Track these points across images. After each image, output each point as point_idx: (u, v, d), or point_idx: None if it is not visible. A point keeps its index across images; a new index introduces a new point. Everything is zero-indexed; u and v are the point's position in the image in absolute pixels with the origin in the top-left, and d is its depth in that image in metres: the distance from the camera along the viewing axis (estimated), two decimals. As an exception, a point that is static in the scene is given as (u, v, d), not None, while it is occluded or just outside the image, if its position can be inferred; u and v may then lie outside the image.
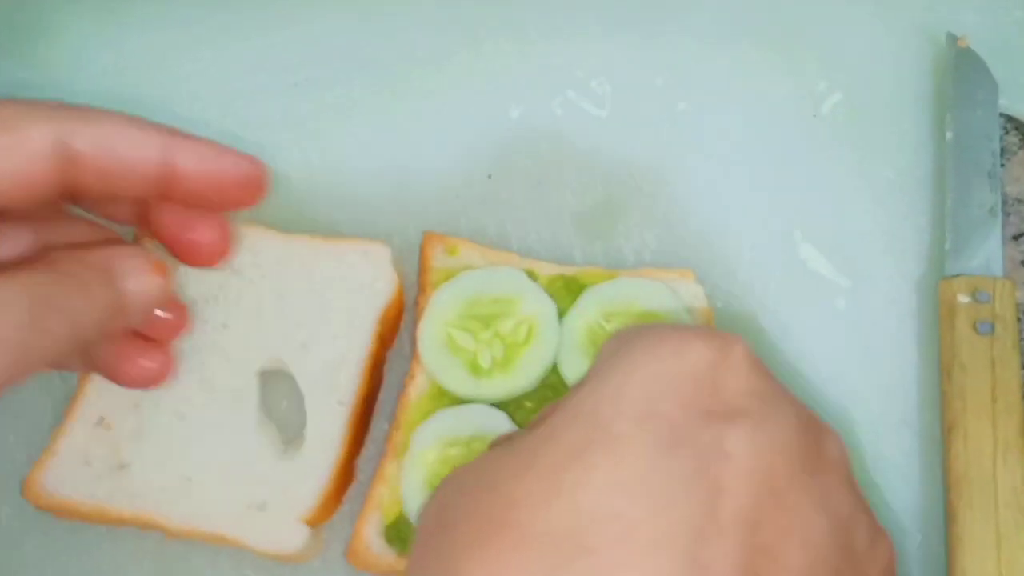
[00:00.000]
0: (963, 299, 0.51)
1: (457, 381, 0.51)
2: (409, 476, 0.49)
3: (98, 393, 0.52)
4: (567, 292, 0.53)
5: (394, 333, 0.54)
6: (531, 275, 0.53)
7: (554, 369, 0.51)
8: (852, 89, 0.59)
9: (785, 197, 0.57)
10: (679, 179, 0.57)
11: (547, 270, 0.53)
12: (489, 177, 0.59)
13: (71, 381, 0.53)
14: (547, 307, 0.52)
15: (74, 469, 0.50)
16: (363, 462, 0.52)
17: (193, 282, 0.53)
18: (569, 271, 0.53)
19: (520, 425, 0.50)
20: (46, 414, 0.53)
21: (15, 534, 0.51)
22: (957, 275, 0.52)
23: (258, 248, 0.54)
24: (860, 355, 0.53)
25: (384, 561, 0.48)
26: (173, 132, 0.44)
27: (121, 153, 0.42)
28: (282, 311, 0.53)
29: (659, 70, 0.60)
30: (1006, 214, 0.55)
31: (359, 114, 0.59)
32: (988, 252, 0.53)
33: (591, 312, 0.52)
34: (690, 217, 0.57)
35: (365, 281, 0.54)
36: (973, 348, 0.50)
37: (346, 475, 0.51)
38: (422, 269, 0.54)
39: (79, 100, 0.43)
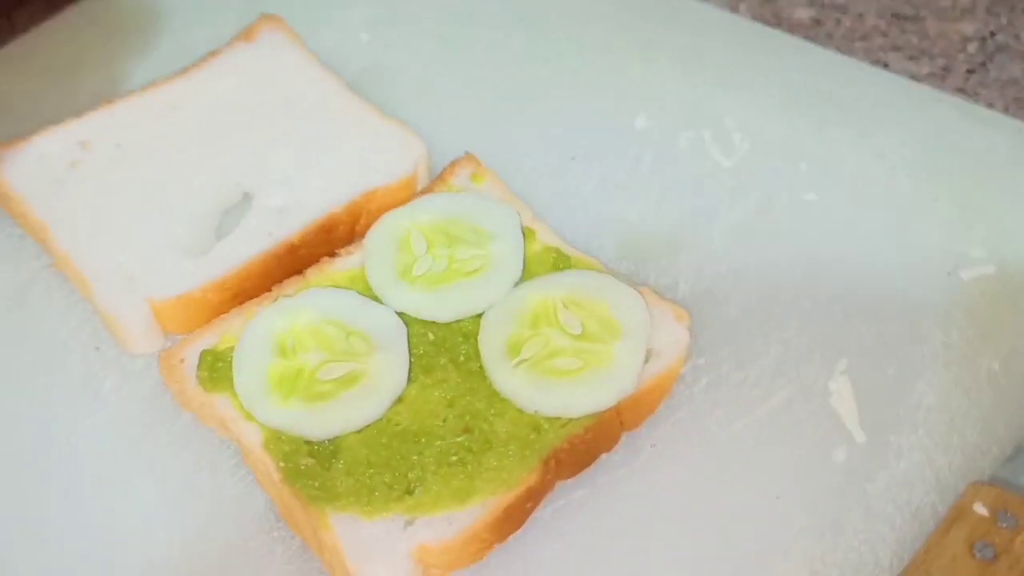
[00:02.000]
0: (980, 510, 0.37)
1: (381, 274, 0.45)
2: (257, 324, 0.43)
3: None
4: (551, 266, 0.45)
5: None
6: (527, 232, 0.46)
7: (475, 320, 0.43)
8: (1005, 265, 0.47)
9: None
10: (757, 271, 0.48)
11: (547, 237, 0.47)
12: (572, 159, 0.53)
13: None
14: (515, 260, 0.45)
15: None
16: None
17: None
18: (567, 250, 0.46)
19: (411, 345, 0.42)
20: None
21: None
22: (993, 483, 0.38)
23: (321, 90, 0.53)
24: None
25: (177, 374, 0.42)
26: None
27: None
28: (282, 136, 0.50)
29: (805, 158, 0.52)
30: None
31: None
32: (1053, 488, 0.38)
33: (555, 290, 0.44)
34: (722, 305, 0.47)
35: (379, 156, 0.50)
36: (956, 566, 0.36)
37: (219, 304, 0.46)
38: (439, 178, 0.49)
39: None
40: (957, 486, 0.40)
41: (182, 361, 0.43)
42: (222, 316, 0.44)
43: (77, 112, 0.52)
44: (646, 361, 0.42)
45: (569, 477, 0.41)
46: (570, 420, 0.41)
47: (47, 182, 0.49)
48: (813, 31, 0.61)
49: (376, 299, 0.44)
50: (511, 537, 0.40)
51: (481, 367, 0.42)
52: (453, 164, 0.50)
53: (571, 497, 0.41)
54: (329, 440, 0.40)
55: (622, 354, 0.42)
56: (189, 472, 0.42)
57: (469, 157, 0.50)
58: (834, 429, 0.43)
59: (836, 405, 0.43)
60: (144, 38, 0.59)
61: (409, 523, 0.38)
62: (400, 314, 0.44)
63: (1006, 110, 0.55)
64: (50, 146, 0.51)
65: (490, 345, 0.43)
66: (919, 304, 0.46)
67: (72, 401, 0.44)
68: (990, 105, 0.56)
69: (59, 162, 0.50)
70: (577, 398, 0.41)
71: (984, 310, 0.46)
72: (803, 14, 0.62)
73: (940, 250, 0.48)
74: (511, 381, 0.41)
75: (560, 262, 0.46)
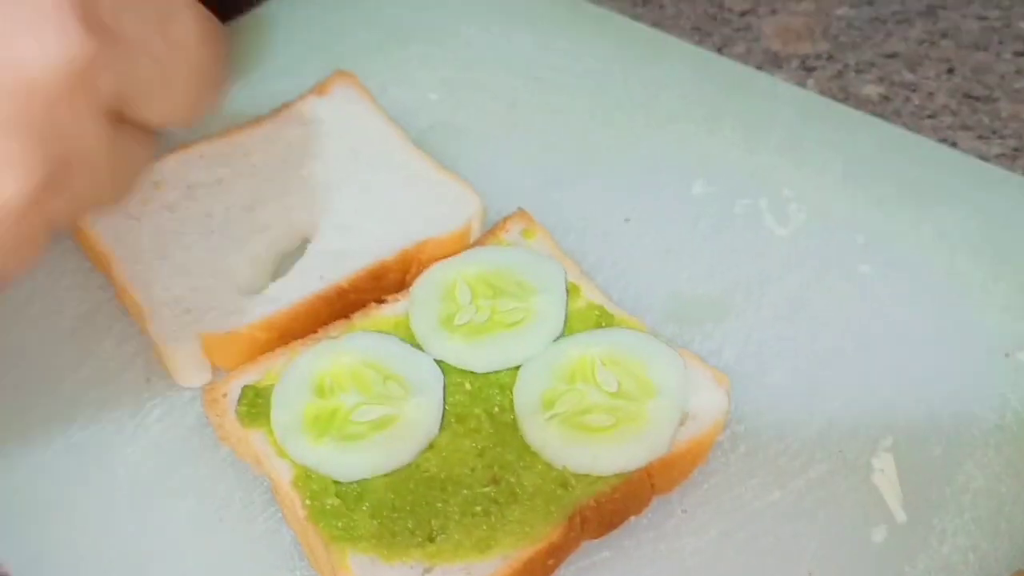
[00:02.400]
0: (1020, 600, 0.36)
1: (423, 321, 0.45)
2: (299, 363, 0.44)
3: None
4: (594, 324, 0.45)
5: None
6: (572, 288, 0.46)
7: (513, 372, 0.43)
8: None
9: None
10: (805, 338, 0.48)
11: (592, 295, 0.47)
12: (627, 220, 0.53)
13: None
14: (557, 315, 0.45)
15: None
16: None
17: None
18: (611, 308, 0.46)
19: (447, 393, 0.43)
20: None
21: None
22: (1038, 576, 0.37)
23: (386, 143, 0.54)
24: None
25: (218, 408, 0.43)
26: None
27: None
28: (344, 184, 0.52)
29: (863, 231, 0.51)
30: None
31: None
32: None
33: (594, 347, 0.44)
34: (767, 373, 0.46)
35: (435, 208, 0.51)
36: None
37: (276, 340, 0.47)
38: (490, 232, 0.50)
39: None
40: (1001, 574, 0.38)
41: (224, 395, 0.44)
42: (267, 354, 0.45)
43: (156, 156, 0.54)
44: (681, 424, 0.42)
45: (595, 537, 0.41)
46: (599, 478, 0.40)
47: (118, 217, 0.52)
48: (881, 107, 0.60)
49: (418, 346, 0.45)
50: (532, 592, 0.39)
51: (514, 419, 0.42)
52: (505, 219, 0.50)
53: (596, 557, 0.41)
54: (357, 482, 0.40)
55: (655, 413, 0.41)
56: (221, 503, 0.43)
57: (521, 213, 0.51)
58: (875, 507, 0.41)
59: (878, 482, 0.42)
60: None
61: (427, 570, 0.38)
62: (439, 362, 0.44)
63: (1078, 194, 0.54)
64: (125, 184, 0.53)
65: (524, 397, 0.43)
66: (973, 385, 0.45)
67: (118, 426, 0.45)
68: (1061, 188, 0.54)
69: (131, 200, 0.52)
70: (607, 455, 0.40)
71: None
72: (872, 90, 0.62)
73: (998, 332, 0.47)
74: (542, 434, 0.41)
75: (603, 320, 0.46)
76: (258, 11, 0.67)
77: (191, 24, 0.31)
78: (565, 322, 0.45)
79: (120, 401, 0.46)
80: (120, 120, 0.31)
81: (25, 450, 0.45)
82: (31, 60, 0.26)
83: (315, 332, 0.46)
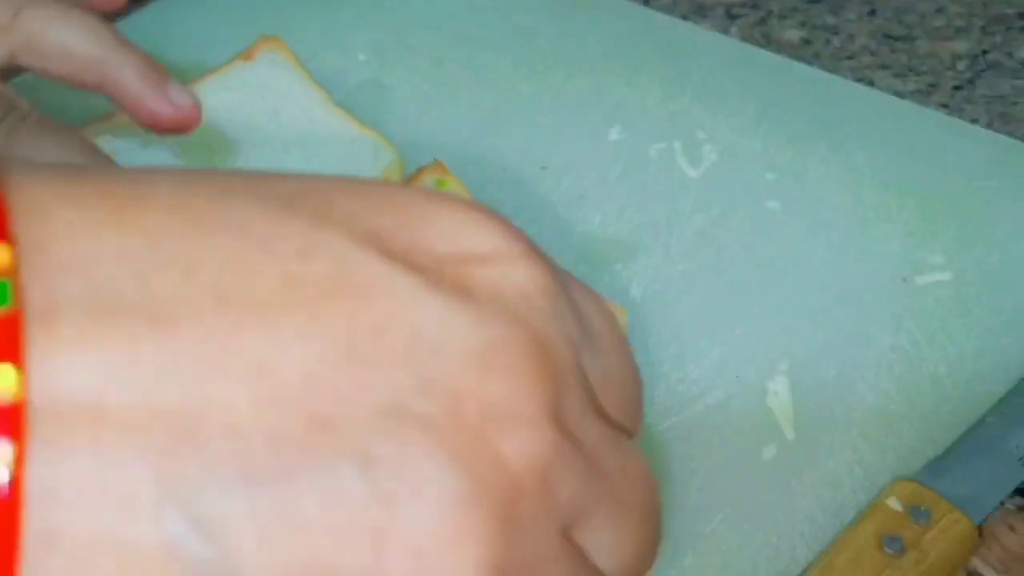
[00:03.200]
0: (894, 505, 0.37)
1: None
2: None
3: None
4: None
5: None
6: (480, 232, 0.48)
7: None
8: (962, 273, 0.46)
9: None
10: (709, 269, 0.48)
11: (500, 238, 0.48)
12: (543, 168, 0.54)
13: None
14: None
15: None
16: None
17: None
18: (517, 249, 0.47)
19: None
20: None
21: None
22: (917, 480, 0.38)
23: (307, 104, 0.56)
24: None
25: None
26: (122, 49, 0.45)
27: (63, 47, 0.43)
28: (265, 144, 0.53)
29: (773, 168, 0.52)
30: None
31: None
32: (978, 489, 0.37)
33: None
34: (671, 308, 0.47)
35: (352, 162, 0.52)
36: (862, 559, 0.35)
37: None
38: (406, 181, 0.51)
39: None
40: (885, 485, 0.40)
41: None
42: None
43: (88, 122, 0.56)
44: (578, 354, 0.43)
45: (496, 465, 0.42)
46: (495, 408, 0.41)
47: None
48: (801, 50, 0.61)
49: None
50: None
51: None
52: (420, 170, 0.52)
53: (495, 485, 0.42)
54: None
55: (551, 345, 0.42)
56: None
57: (436, 164, 0.52)
58: (767, 427, 0.42)
59: (772, 404, 0.43)
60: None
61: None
62: (347, 306, 0.45)
63: (990, 125, 0.55)
64: (54, 153, 0.55)
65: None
66: (870, 309, 0.46)
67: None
68: (974, 120, 0.55)
69: (60, 167, 0.54)
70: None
71: (936, 316, 0.45)
72: (793, 35, 0.62)
73: (898, 257, 0.48)
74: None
75: (508, 261, 0.47)
76: (193, -15, 0.68)
77: (643, 461, 0.26)
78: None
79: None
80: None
81: None
82: (511, 453, 0.22)
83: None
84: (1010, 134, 0.53)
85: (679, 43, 0.60)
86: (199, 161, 0.53)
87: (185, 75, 0.59)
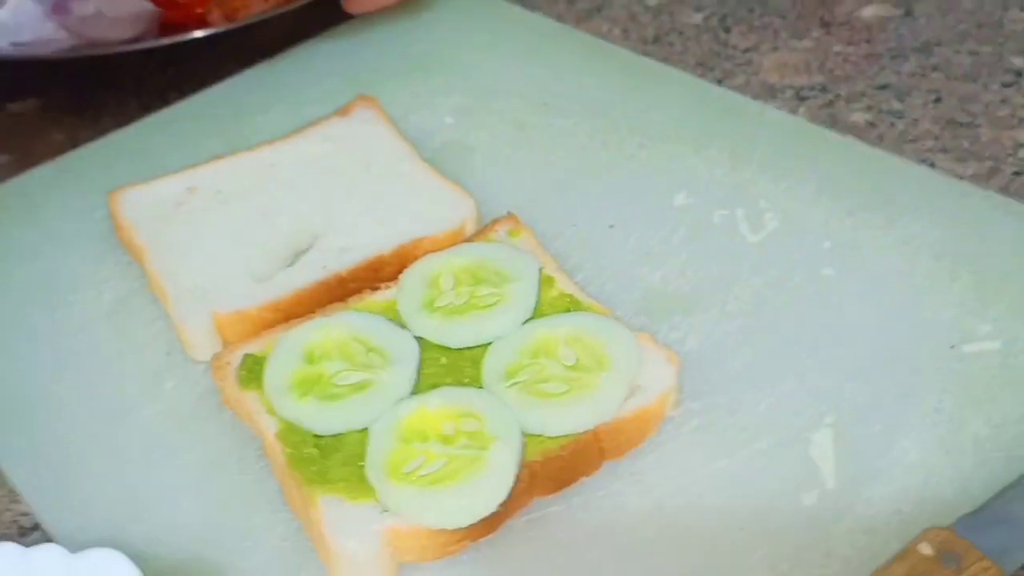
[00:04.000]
0: (925, 550, 0.38)
1: (408, 304, 0.50)
2: (293, 334, 0.49)
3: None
4: (563, 310, 0.50)
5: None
6: (547, 279, 0.51)
7: (484, 349, 0.48)
8: (1012, 343, 0.48)
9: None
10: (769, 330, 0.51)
11: (565, 286, 0.51)
12: (611, 227, 0.57)
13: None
14: (528, 299, 0.49)
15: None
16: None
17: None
18: (581, 297, 0.50)
19: (423, 365, 0.47)
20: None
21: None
22: (950, 529, 0.39)
23: (396, 157, 0.60)
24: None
25: (223, 373, 0.49)
26: None
27: None
28: (355, 192, 0.58)
29: (831, 237, 0.55)
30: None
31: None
32: (1010, 542, 0.39)
33: (559, 328, 0.48)
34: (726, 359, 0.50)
35: (433, 211, 0.56)
36: (889, 598, 0.37)
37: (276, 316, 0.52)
38: (480, 232, 0.55)
39: None
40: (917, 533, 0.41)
41: (228, 363, 0.49)
42: (270, 329, 0.51)
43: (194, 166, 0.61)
44: (631, 395, 0.45)
45: (547, 494, 0.45)
46: (549, 438, 0.44)
47: (155, 217, 0.58)
48: (866, 132, 0.64)
49: (402, 325, 0.50)
50: (483, 539, 0.43)
51: (480, 389, 0.46)
52: (494, 221, 0.55)
53: (546, 511, 0.44)
54: (333, 436, 0.45)
55: (606, 384, 0.45)
56: (221, 456, 0.48)
57: (510, 216, 0.55)
58: (809, 475, 0.44)
59: (815, 454, 0.45)
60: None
61: (386, 510, 0.42)
62: (419, 339, 0.49)
63: (1047, 209, 0.56)
64: (165, 188, 0.60)
65: (491, 370, 0.47)
66: (917, 372, 0.48)
67: (138, 391, 0.51)
68: (1031, 204, 0.57)
69: (168, 202, 0.59)
70: (557, 418, 0.44)
71: (981, 382, 0.47)
72: (859, 118, 0.65)
73: (948, 326, 0.50)
74: (502, 399, 0.45)
75: (572, 306, 0.50)
76: (300, 47, 0.74)
77: None
78: (536, 307, 0.49)
79: (142, 372, 0.52)
80: None
81: (57, 412, 0.51)
82: None
83: (303, 312, 0.51)
84: (1066, 218, 0.55)
85: (748, 119, 0.64)
86: (290, 202, 0.58)
87: (287, 129, 0.64)
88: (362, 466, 0.44)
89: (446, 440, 0.44)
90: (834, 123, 0.65)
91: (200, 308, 0.52)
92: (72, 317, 0.55)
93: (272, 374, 0.47)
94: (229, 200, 0.59)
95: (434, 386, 0.47)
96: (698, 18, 0.77)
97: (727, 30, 0.75)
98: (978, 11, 0.74)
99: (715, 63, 0.72)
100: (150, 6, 0.74)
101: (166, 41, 0.73)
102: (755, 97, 0.67)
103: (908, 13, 0.74)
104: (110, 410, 0.50)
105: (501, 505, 0.42)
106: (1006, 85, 0.66)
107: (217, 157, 0.62)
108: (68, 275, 0.58)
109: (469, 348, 0.48)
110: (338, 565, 0.42)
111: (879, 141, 0.63)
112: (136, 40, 0.74)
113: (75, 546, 0.40)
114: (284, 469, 0.44)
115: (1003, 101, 0.65)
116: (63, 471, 0.48)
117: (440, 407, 0.45)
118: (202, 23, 0.76)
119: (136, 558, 0.39)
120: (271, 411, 0.46)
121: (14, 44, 0.74)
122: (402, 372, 0.47)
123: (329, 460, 0.44)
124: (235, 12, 0.78)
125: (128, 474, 0.47)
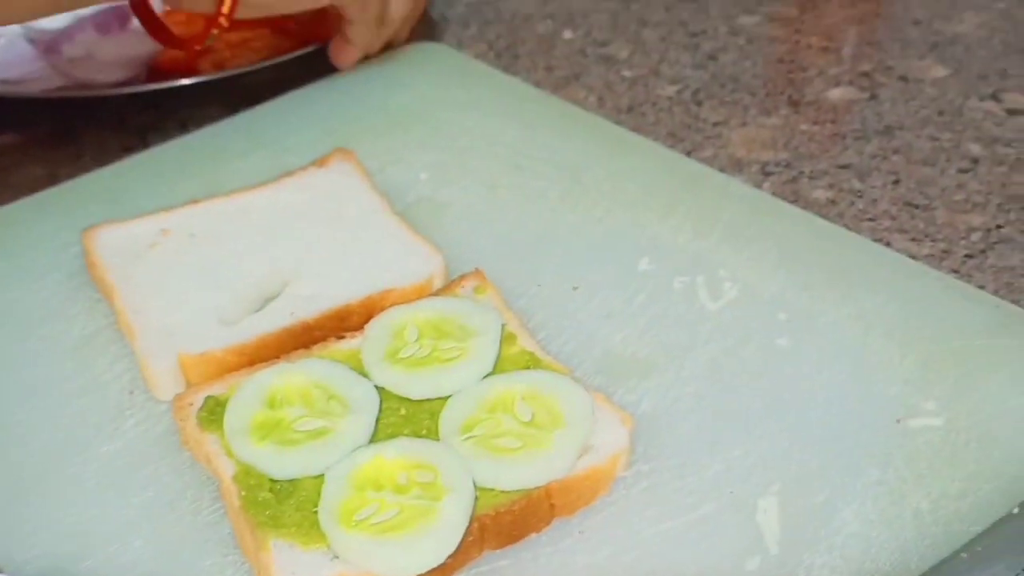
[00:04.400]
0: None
1: (372, 353, 0.51)
2: (256, 379, 0.50)
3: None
4: (523, 367, 0.51)
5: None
6: (509, 336, 0.52)
7: (443, 402, 0.49)
8: (954, 420, 0.49)
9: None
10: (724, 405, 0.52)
11: (527, 344, 0.52)
12: (575, 288, 0.59)
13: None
14: (489, 355, 0.51)
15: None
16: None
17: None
18: (541, 355, 0.51)
19: (382, 414, 0.48)
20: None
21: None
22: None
23: (369, 210, 0.62)
24: None
25: (184, 414, 0.49)
26: None
27: None
28: (326, 241, 0.59)
29: (786, 309, 0.56)
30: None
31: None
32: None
33: (517, 384, 0.49)
34: (679, 424, 0.51)
35: (402, 264, 0.58)
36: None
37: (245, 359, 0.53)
38: (446, 287, 0.56)
39: None
40: (858, 605, 0.42)
41: (190, 404, 0.50)
42: (233, 373, 0.51)
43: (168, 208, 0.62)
44: (584, 454, 0.46)
45: (496, 548, 0.45)
46: (501, 492, 0.45)
47: (127, 256, 0.59)
48: (827, 209, 0.66)
49: (364, 374, 0.50)
50: (431, 589, 0.44)
51: (437, 441, 0.47)
52: (461, 276, 0.57)
53: (494, 564, 0.45)
54: (289, 480, 0.46)
55: (560, 441, 0.46)
56: (174, 497, 0.48)
57: (477, 272, 0.57)
58: (754, 541, 0.45)
59: (760, 520, 0.46)
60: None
61: (336, 556, 0.43)
62: (380, 389, 0.50)
63: (996, 292, 0.58)
64: (138, 229, 0.61)
65: (448, 423, 0.48)
66: (863, 444, 0.49)
67: (98, 428, 0.52)
68: (981, 287, 0.59)
69: (141, 242, 0.60)
70: (510, 473, 0.45)
71: (924, 456, 0.48)
72: (821, 195, 0.67)
73: (895, 401, 0.51)
74: (457, 452, 0.46)
75: (531, 364, 0.51)
76: (281, 98, 0.75)
77: None
78: (496, 362, 0.50)
79: (103, 408, 0.53)
80: None
81: (14, 441, 0.51)
82: None
83: (272, 355, 0.52)
84: (1015, 302, 0.57)
85: (713, 190, 0.65)
86: (262, 248, 0.59)
87: (263, 177, 0.65)
88: (315, 512, 0.44)
89: (400, 490, 0.45)
90: (797, 199, 0.67)
91: (166, 348, 0.53)
92: (38, 349, 0.56)
93: (232, 416, 0.48)
94: (201, 243, 0.60)
95: (392, 436, 0.48)
96: (671, 91, 0.79)
97: (699, 103, 0.77)
98: (940, 98, 0.76)
99: (686, 135, 0.74)
100: (141, 51, 0.76)
101: (153, 86, 0.75)
102: (722, 170, 0.69)
103: (873, 97, 0.77)
104: (68, 443, 0.51)
105: (450, 557, 0.43)
106: (962, 171, 0.69)
107: (193, 200, 0.63)
108: (37, 308, 0.58)
109: (429, 400, 0.49)
110: (285, 610, 0.42)
111: (839, 218, 0.65)
112: (124, 83, 0.76)
113: (23, 578, 0.40)
114: (238, 512, 0.45)
115: (959, 186, 0.67)
116: (13, 501, 0.48)
117: (396, 457, 0.46)
118: (192, 70, 0.78)
119: (84, 594, 0.40)
120: (230, 454, 0.47)
121: (2, 81, 0.75)
122: (361, 421, 0.48)
123: (283, 505, 0.45)
124: (224, 62, 0.80)
125: (80, 509, 0.48)
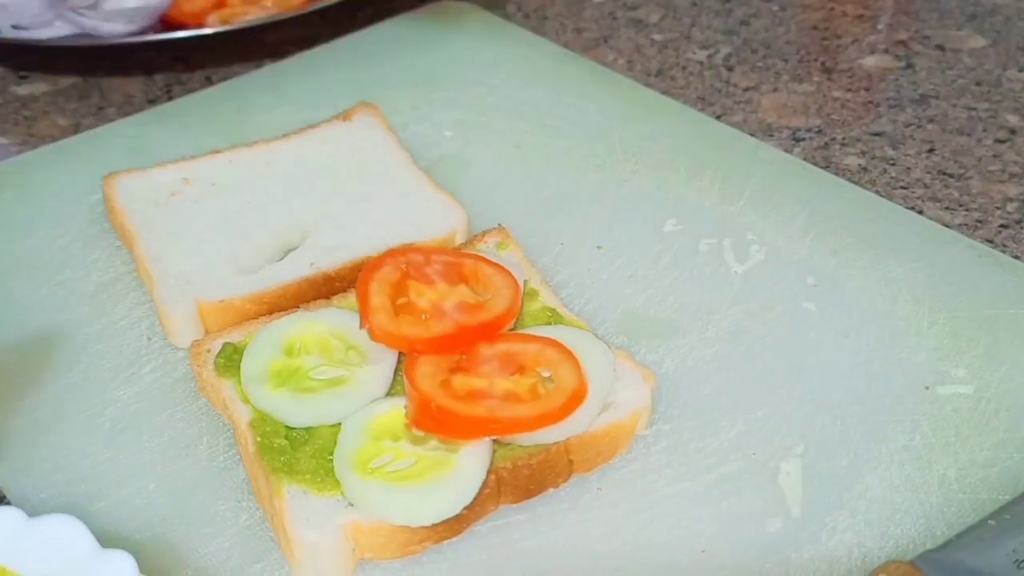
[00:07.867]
0: (882, 582, 0.38)
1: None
2: (275, 326, 0.49)
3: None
4: (544, 322, 0.50)
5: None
6: (531, 292, 0.51)
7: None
8: (983, 388, 0.48)
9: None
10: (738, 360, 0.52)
11: (548, 300, 0.51)
12: (599, 247, 0.58)
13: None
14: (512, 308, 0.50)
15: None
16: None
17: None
18: (563, 311, 0.51)
19: (400, 364, 0.48)
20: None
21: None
22: (910, 563, 0.39)
23: (392, 164, 0.61)
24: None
25: (201, 360, 0.49)
26: None
27: None
28: (348, 194, 0.58)
29: (814, 273, 0.55)
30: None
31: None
32: (970, 579, 0.39)
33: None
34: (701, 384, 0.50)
35: (424, 218, 0.57)
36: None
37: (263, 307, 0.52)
38: (468, 241, 0.55)
39: None
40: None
41: (208, 350, 0.49)
42: (252, 321, 0.51)
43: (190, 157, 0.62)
44: (604, 410, 0.46)
45: (513, 502, 0.45)
46: (519, 446, 0.44)
47: (148, 204, 0.59)
48: (859, 176, 0.64)
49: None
50: (445, 541, 0.43)
51: (458, 392, 0.47)
52: (483, 232, 0.56)
53: (511, 518, 0.44)
54: (304, 428, 0.45)
55: (579, 397, 0.45)
56: (190, 443, 0.48)
57: (500, 228, 0.56)
58: (775, 502, 0.44)
59: (783, 482, 0.45)
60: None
61: (350, 504, 0.42)
62: (399, 340, 0.49)
63: (1030, 263, 0.57)
64: (160, 177, 0.60)
65: (468, 375, 0.47)
66: (889, 410, 0.48)
67: (114, 371, 0.51)
68: (1016, 257, 0.57)
69: (163, 190, 0.59)
70: (529, 426, 0.44)
71: (952, 424, 0.47)
72: (853, 162, 0.66)
73: (923, 367, 0.50)
74: (475, 404, 0.45)
75: (553, 320, 0.50)
76: (306, 54, 0.75)
77: None
78: (519, 319, 0.50)
79: (120, 353, 0.52)
80: None
81: (34, 384, 0.51)
82: None
83: (292, 304, 0.51)
84: (1050, 273, 0.55)
85: (742, 154, 0.64)
86: (283, 199, 0.58)
87: (288, 129, 0.65)
88: (330, 460, 0.44)
89: (417, 441, 0.44)
90: (828, 165, 0.66)
91: (185, 295, 0.53)
92: (58, 295, 0.56)
93: (250, 363, 0.48)
94: (223, 193, 0.59)
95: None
96: (703, 55, 0.78)
97: (730, 69, 0.76)
98: (977, 68, 0.75)
99: (715, 99, 0.72)
100: (149, 2, 0.74)
101: (164, 36, 0.74)
102: (752, 135, 0.68)
103: (909, 66, 0.75)
104: (85, 387, 0.50)
105: (466, 508, 0.43)
106: (999, 141, 0.67)
107: (213, 150, 0.62)
108: (58, 254, 0.58)
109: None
110: (298, 556, 0.42)
111: (870, 186, 0.64)
112: (135, 34, 0.75)
113: (36, 515, 0.40)
114: (253, 458, 0.44)
115: (995, 156, 0.66)
116: (30, 442, 0.48)
117: (414, 408, 0.45)
118: (201, 24, 0.76)
119: (96, 534, 0.39)
120: (246, 400, 0.46)
121: (14, 27, 0.74)
122: (379, 372, 0.47)
123: (298, 452, 0.44)
124: (231, 17, 0.78)
125: (96, 451, 0.47)
